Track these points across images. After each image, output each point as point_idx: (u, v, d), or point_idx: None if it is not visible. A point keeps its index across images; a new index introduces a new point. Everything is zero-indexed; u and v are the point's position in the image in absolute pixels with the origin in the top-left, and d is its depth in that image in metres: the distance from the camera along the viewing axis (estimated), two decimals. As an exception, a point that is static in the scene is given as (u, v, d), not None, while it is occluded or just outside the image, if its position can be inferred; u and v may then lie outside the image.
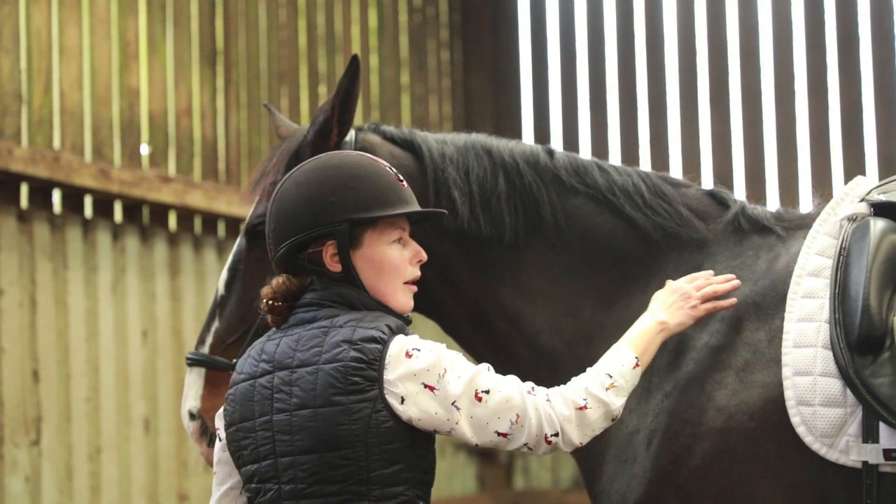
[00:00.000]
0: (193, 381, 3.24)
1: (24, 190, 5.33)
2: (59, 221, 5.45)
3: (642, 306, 3.04)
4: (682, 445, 2.82)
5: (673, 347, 2.94)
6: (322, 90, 6.97)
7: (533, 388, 2.56)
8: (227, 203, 6.12)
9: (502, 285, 3.14)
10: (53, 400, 5.31)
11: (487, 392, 2.52)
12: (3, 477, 5.10)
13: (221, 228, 6.30)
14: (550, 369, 2.84)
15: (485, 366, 2.57)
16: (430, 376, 2.51)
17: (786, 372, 2.73)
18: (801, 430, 2.70)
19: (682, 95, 7.42)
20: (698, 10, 7.41)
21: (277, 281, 2.65)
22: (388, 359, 2.51)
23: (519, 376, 2.58)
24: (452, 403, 2.50)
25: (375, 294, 2.64)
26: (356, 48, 7.23)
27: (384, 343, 2.52)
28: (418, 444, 2.55)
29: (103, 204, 5.68)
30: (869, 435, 2.64)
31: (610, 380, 2.63)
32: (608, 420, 2.61)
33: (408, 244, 2.68)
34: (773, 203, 6.82)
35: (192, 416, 3.23)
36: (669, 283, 2.88)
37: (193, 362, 3.25)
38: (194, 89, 6.14)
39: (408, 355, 2.52)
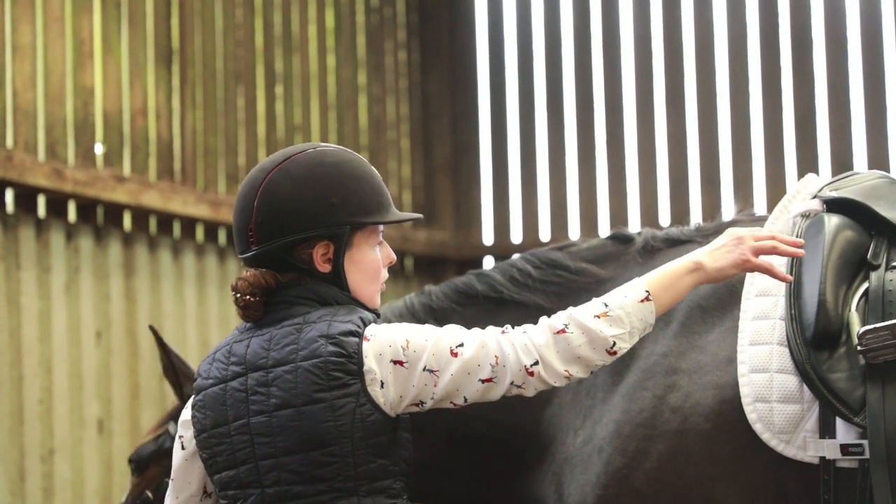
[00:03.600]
0: None
1: (-25, 189, 5.27)
2: (12, 221, 5.39)
3: None
4: (637, 448, 2.83)
5: (617, 363, 2.95)
6: (279, 90, 6.94)
7: (507, 327, 2.50)
8: (183, 203, 6.08)
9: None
10: (5, 401, 5.25)
11: (462, 345, 2.47)
12: (-45, 479, 5.04)
13: (177, 229, 6.25)
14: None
15: (454, 325, 2.53)
16: (395, 351, 2.47)
17: (742, 370, 2.75)
18: (758, 427, 2.72)
19: (638, 97, 7.45)
20: (654, 12, 7.45)
21: (254, 275, 2.57)
22: (365, 350, 2.48)
23: None
24: (425, 369, 2.46)
25: (357, 295, 2.61)
26: (313, 48, 7.21)
27: (360, 336, 2.49)
28: (401, 435, 2.53)
29: (57, 203, 5.62)
30: (826, 430, 2.67)
31: (604, 308, 2.48)
32: (600, 351, 2.46)
33: (383, 246, 2.66)
34: (728, 202, 6.91)
35: None
36: (731, 229, 2.61)
37: None
38: (149, 88, 6.09)
39: (366, 339, 2.49)
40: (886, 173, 2.96)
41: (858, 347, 2.61)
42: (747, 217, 3.15)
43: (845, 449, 2.62)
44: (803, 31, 7.15)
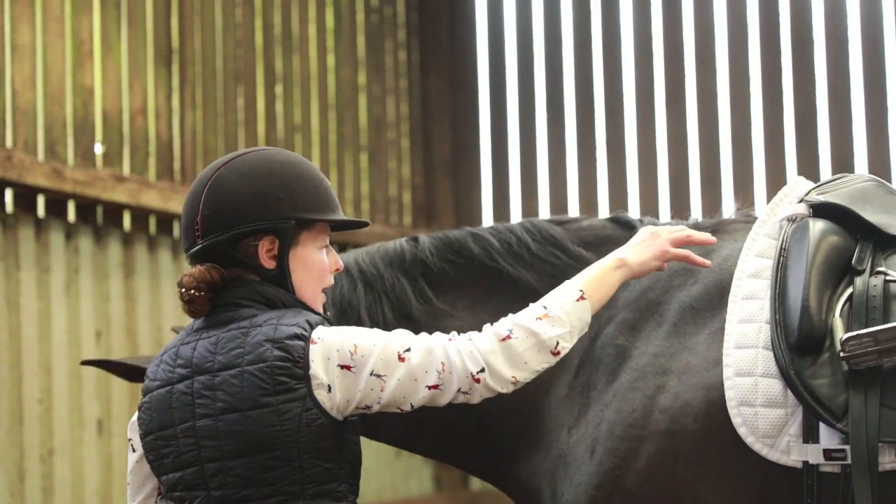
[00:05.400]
0: None
1: (-25, 189, 5.28)
2: (11, 221, 5.40)
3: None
4: (628, 449, 2.83)
5: (609, 360, 2.95)
6: (279, 90, 6.94)
7: (454, 335, 2.54)
8: (182, 203, 6.07)
9: None
10: (5, 401, 5.26)
11: (409, 350, 2.50)
12: (-47, 479, 5.05)
13: (176, 229, 6.26)
14: None
15: (402, 330, 2.56)
16: (343, 357, 2.49)
17: (727, 373, 2.76)
18: (742, 431, 2.72)
19: (639, 97, 7.45)
20: (654, 12, 7.45)
21: (199, 270, 2.58)
22: (311, 355, 2.50)
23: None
24: (372, 373, 2.48)
25: (301, 295, 2.63)
26: (313, 48, 7.21)
27: (306, 340, 2.51)
28: (347, 438, 2.55)
29: (56, 203, 5.63)
30: (809, 435, 2.67)
31: (544, 311, 2.54)
32: (545, 353, 2.52)
33: (329, 251, 2.69)
34: (728, 202, 6.91)
35: None
36: (645, 227, 2.78)
37: None
38: (149, 88, 6.10)
39: (313, 342, 2.51)
40: (875, 177, 2.96)
41: (841, 353, 2.61)
42: (744, 216, 3.15)
43: (828, 454, 2.63)
44: (804, 31, 7.15)
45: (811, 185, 2.97)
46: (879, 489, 2.56)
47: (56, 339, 5.50)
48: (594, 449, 2.87)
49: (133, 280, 5.95)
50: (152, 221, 6.15)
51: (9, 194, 5.42)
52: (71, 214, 5.72)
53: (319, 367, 2.49)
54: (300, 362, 2.48)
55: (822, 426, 2.64)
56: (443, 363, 2.49)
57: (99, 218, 5.85)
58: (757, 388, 2.71)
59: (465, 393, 2.50)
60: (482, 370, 2.48)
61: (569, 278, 2.96)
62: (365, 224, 2.73)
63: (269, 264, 2.61)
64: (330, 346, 2.50)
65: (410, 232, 7.61)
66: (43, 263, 5.50)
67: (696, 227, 3.13)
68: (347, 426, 2.55)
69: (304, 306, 2.63)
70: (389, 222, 7.68)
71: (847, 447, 2.59)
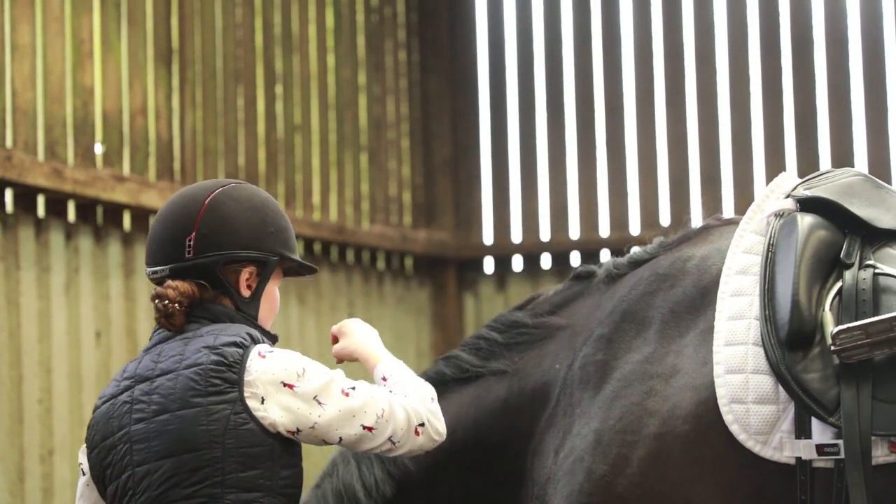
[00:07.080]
0: None
1: (-26, 189, 5.28)
2: (11, 221, 5.40)
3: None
4: (618, 454, 2.83)
5: (590, 377, 2.96)
6: (279, 90, 6.95)
7: (390, 389, 2.68)
8: (182, 203, 6.07)
9: None
10: (5, 401, 5.26)
11: (353, 388, 2.61)
12: (-47, 479, 5.05)
13: (177, 228, 6.25)
14: None
15: (339, 371, 2.66)
16: (288, 375, 2.57)
17: (717, 370, 2.75)
18: (734, 429, 2.72)
19: (639, 97, 7.45)
20: (654, 12, 7.45)
21: (187, 284, 2.65)
22: (248, 362, 2.56)
23: None
24: (314, 398, 2.56)
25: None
26: (313, 48, 7.22)
27: (245, 347, 2.58)
28: (280, 452, 2.57)
29: (56, 203, 5.63)
30: (802, 431, 2.67)
31: (420, 378, 2.79)
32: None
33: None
34: (728, 202, 6.91)
35: None
36: (344, 327, 2.91)
37: None
38: (149, 88, 6.11)
39: (261, 356, 2.58)
40: (861, 171, 2.96)
41: (832, 347, 2.61)
42: (715, 220, 3.15)
43: (821, 449, 2.63)
44: (804, 31, 7.15)
45: (798, 180, 2.97)
46: (873, 483, 2.56)
47: (56, 339, 5.51)
48: (582, 458, 2.87)
49: (133, 280, 5.95)
50: (152, 221, 6.15)
51: (9, 194, 5.42)
52: (71, 214, 5.72)
53: (259, 378, 2.55)
54: (235, 367, 2.55)
55: (814, 421, 2.64)
56: (383, 410, 2.60)
57: (99, 218, 5.86)
58: (748, 385, 2.71)
59: (394, 443, 2.62)
60: (422, 424, 2.63)
61: (539, 344, 3.11)
62: (314, 270, 2.85)
63: (245, 292, 2.71)
64: (279, 363, 2.58)
65: (410, 232, 7.62)
66: (43, 263, 5.50)
67: (661, 245, 3.14)
68: (289, 442, 2.59)
69: (252, 323, 2.71)
70: (389, 222, 7.69)
71: (840, 442, 2.59)
